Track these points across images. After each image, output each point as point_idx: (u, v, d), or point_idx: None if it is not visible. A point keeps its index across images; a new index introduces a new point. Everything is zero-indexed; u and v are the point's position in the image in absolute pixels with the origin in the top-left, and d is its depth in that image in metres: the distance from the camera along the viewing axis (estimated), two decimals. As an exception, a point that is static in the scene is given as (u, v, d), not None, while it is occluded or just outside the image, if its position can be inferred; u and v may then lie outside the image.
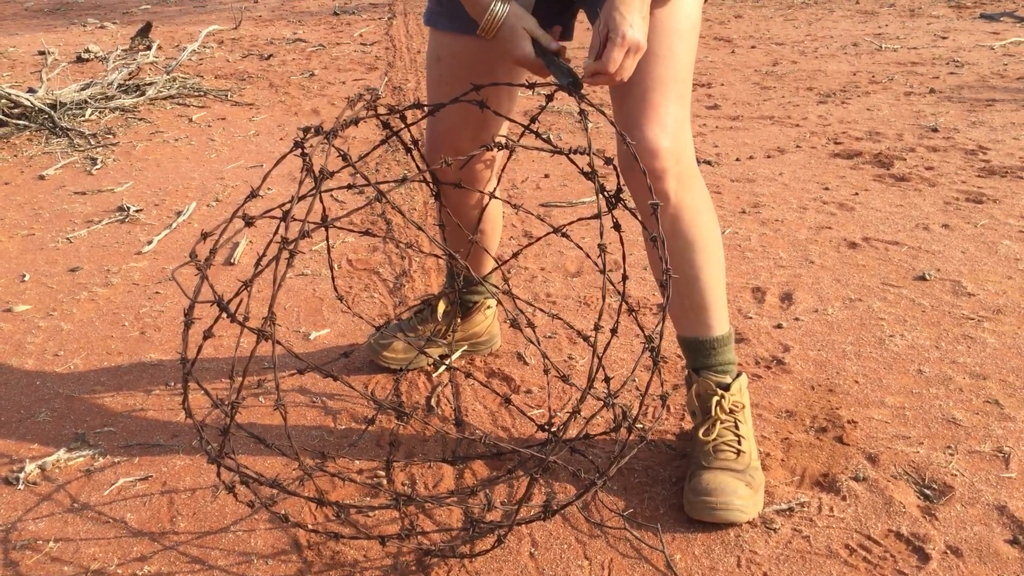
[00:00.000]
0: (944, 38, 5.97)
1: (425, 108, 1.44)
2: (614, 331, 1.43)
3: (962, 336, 2.04)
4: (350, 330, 2.17)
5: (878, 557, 1.37)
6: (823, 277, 2.38)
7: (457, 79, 1.63)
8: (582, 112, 1.32)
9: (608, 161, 1.34)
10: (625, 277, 1.37)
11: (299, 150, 1.24)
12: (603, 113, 1.32)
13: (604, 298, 1.29)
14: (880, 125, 3.89)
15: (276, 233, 1.25)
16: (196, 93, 4.82)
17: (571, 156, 1.28)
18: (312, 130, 1.26)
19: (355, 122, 1.32)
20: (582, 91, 1.37)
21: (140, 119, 4.34)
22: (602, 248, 1.28)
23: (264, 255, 1.21)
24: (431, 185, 1.72)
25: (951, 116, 3.98)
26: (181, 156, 3.76)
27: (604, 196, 1.34)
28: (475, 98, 1.45)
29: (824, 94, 4.53)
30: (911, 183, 3.11)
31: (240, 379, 1.19)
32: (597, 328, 1.26)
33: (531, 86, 1.41)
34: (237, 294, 1.26)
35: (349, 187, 1.27)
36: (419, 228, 1.15)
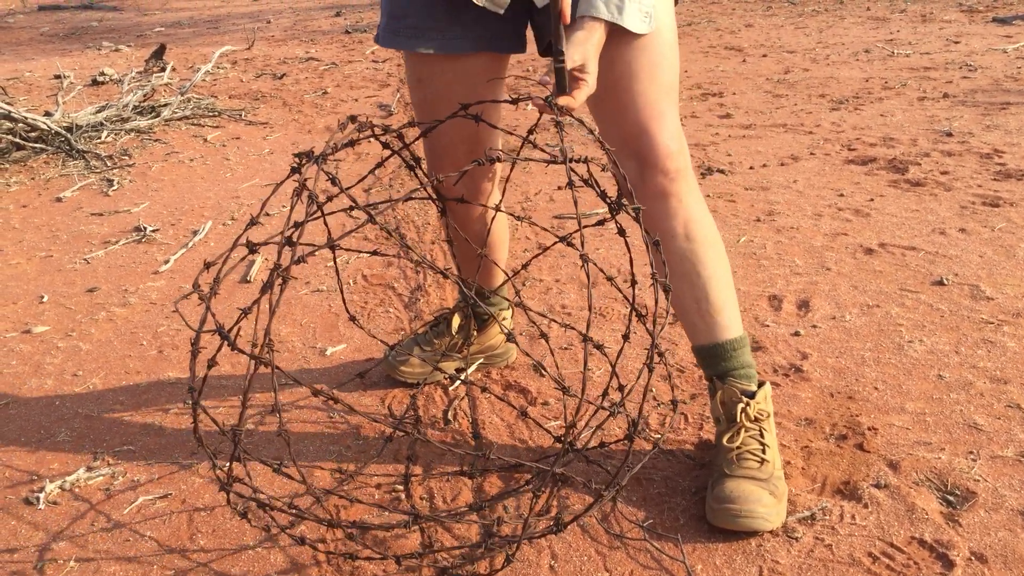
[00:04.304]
0: (956, 42, 5.95)
1: (420, 126, 1.45)
2: (626, 337, 1.43)
3: (982, 340, 2.02)
4: (366, 345, 2.17)
5: (901, 565, 1.36)
6: (840, 284, 2.37)
7: (442, 99, 1.63)
8: (558, 124, 1.31)
9: (606, 168, 1.35)
10: (634, 282, 1.36)
11: (296, 175, 1.25)
12: (580, 122, 1.32)
13: (590, 309, 1.29)
14: (894, 131, 3.88)
15: (279, 258, 1.26)
16: (211, 113, 4.85)
17: (570, 165, 1.28)
18: (306, 156, 1.27)
19: (351, 144, 1.33)
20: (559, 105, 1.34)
21: (156, 140, 4.37)
22: (585, 259, 1.28)
23: (270, 281, 1.21)
24: (436, 202, 1.72)
25: (965, 120, 3.96)
26: (196, 176, 3.79)
27: (606, 202, 1.34)
28: (469, 113, 1.45)
29: (837, 101, 4.52)
30: (926, 188, 3.09)
31: (243, 408, 1.19)
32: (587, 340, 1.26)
33: (514, 101, 1.41)
34: (237, 323, 1.26)
35: (350, 209, 1.28)
36: (409, 249, 1.15)
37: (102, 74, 6.05)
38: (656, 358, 1.95)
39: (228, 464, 1.25)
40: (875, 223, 2.79)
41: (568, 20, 1.30)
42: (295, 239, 1.19)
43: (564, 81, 1.30)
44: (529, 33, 1.65)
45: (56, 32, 9.63)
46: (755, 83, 5.09)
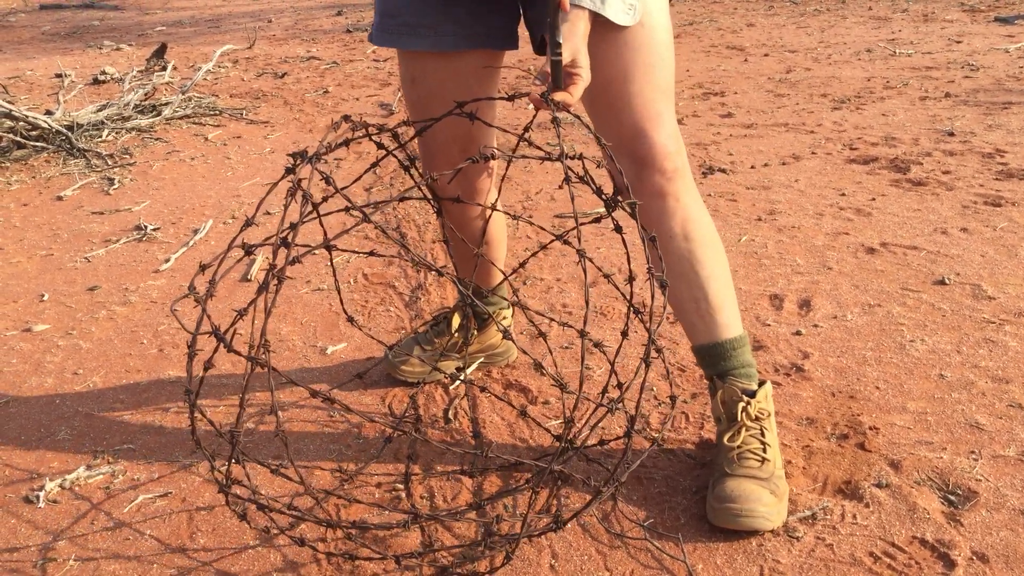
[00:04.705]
0: (958, 42, 5.94)
1: (415, 125, 1.45)
2: (624, 334, 1.42)
3: (983, 340, 2.02)
4: (367, 344, 2.17)
5: (903, 564, 1.36)
6: (841, 283, 2.36)
7: (435, 97, 1.62)
8: (555, 120, 1.31)
9: (601, 165, 1.35)
10: (631, 279, 1.36)
11: (291, 175, 1.25)
12: (579, 119, 1.32)
13: (587, 305, 1.29)
14: (896, 130, 3.87)
15: (275, 259, 1.26)
16: (211, 112, 4.85)
17: (565, 162, 1.28)
18: (299, 156, 1.27)
19: (345, 143, 1.33)
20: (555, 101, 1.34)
21: (156, 139, 4.37)
22: (582, 255, 1.28)
23: (265, 282, 1.21)
24: (432, 202, 1.72)
25: (967, 120, 3.95)
26: (197, 175, 3.78)
27: (602, 199, 1.34)
28: (464, 111, 1.44)
29: (839, 100, 4.51)
30: (928, 187, 3.08)
31: (240, 410, 1.19)
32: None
33: (510, 98, 1.41)
34: (233, 324, 1.26)
35: (348, 208, 1.27)
36: (407, 249, 1.15)
37: (103, 73, 6.05)
38: (654, 353, 1.94)
39: (227, 465, 1.25)
40: (877, 222, 2.78)
41: (568, 8, 1.29)
42: (290, 239, 1.18)
43: (561, 75, 1.30)
44: (525, 34, 1.64)
45: (57, 31, 9.64)
46: (757, 82, 5.09)
